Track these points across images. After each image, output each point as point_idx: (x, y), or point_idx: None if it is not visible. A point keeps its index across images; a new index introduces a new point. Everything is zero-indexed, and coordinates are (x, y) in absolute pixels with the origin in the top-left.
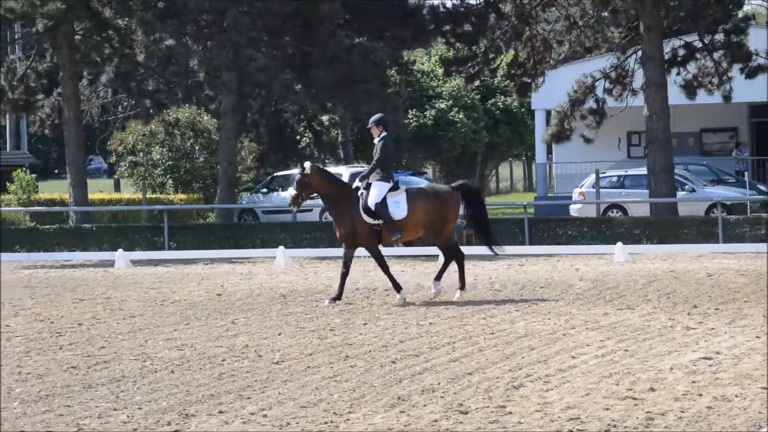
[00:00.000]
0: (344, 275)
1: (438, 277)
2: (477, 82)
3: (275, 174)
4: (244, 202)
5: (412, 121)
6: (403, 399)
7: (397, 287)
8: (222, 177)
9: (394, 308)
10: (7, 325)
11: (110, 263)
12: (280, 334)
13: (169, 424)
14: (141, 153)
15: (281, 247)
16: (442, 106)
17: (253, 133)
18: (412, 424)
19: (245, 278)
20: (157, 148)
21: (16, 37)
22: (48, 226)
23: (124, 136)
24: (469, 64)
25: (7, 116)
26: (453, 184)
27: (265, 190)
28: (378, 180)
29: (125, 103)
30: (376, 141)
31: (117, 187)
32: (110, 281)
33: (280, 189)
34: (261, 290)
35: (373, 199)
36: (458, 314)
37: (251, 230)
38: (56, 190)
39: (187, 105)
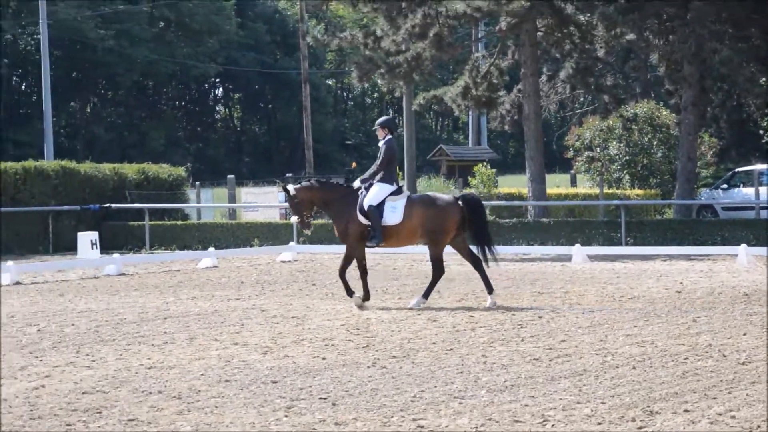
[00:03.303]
0: (363, 275)
1: (426, 294)
2: None
3: (736, 170)
4: (702, 198)
5: None
6: None
7: (349, 292)
8: (681, 172)
9: None
10: (471, 316)
11: (567, 258)
12: (744, 335)
13: (633, 420)
14: (598, 148)
15: (743, 245)
16: None
17: (713, 128)
18: None
19: (705, 276)
20: (614, 143)
21: (480, 35)
22: (507, 220)
23: (581, 132)
24: None
25: (470, 113)
26: (456, 195)
27: (725, 186)
28: (380, 182)
29: (582, 99)
30: (380, 144)
31: (573, 182)
32: (568, 275)
33: (741, 185)
34: (722, 288)
35: (368, 200)
36: None
37: (711, 227)
38: (514, 184)
39: (645, 100)
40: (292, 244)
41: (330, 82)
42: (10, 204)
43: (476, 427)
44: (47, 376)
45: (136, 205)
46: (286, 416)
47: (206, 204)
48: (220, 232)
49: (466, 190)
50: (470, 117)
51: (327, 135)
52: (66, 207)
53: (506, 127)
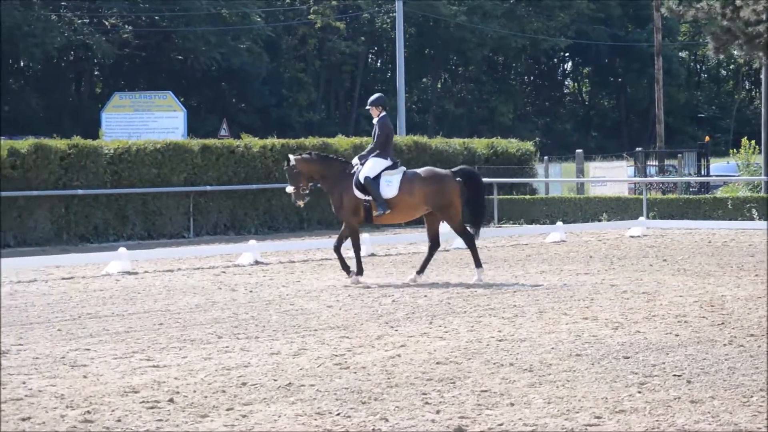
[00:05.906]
0: (357, 250)
1: (478, 264)
2: None
3: None
4: None
5: None
6: None
7: (360, 270)
8: None
9: None
10: None
11: None
12: None
13: None
14: None
15: None
16: None
17: None
18: None
19: None
20: None
21: None
22: None
23: None
24: None
25: None
26: (453, 169)
27: None
28: (375, 156)
29: None
30: (374, 122)
31: None
32: None
33: None
34: None
35: (365, 172)
36: None
37: None
38: None
39: None
40: (642, 219)
41: (683, 54)
42: None
43: None
44: (402, 345)
45: (485, 179)
46: (639, 392)
47: (554, 178)
48: (568, 206)
49: None
50: None
51: (679, 108)
52: None
53: None
